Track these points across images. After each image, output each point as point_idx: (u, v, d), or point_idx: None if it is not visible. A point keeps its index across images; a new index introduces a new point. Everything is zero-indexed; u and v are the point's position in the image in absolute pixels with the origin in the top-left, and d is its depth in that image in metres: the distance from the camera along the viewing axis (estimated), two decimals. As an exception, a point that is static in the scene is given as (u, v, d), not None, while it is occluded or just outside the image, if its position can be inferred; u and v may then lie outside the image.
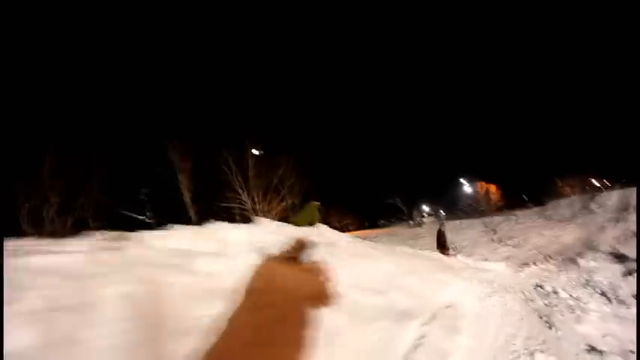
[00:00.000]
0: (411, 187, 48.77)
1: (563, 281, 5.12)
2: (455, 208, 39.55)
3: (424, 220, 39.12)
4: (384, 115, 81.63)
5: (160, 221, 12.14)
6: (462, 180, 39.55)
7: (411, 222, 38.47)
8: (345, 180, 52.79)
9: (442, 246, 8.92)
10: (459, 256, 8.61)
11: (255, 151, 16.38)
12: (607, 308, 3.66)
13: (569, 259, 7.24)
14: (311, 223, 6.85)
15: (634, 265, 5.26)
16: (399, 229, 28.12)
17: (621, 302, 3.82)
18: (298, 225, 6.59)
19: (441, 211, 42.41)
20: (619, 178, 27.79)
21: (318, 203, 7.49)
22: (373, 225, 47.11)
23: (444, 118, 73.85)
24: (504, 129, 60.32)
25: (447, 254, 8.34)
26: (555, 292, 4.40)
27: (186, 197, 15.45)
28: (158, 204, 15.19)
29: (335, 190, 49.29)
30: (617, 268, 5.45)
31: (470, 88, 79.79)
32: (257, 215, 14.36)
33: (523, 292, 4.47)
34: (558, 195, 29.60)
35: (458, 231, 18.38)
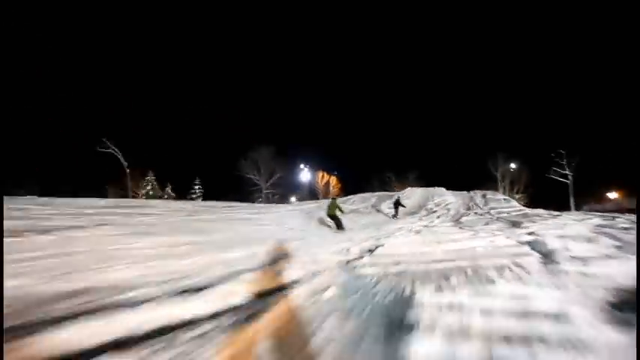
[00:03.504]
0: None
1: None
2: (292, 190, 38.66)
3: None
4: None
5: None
6: (302, 166, 37.34)
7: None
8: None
9: (398, 207, 14.93)
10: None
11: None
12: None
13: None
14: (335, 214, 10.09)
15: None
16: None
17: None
18: (328, 214, 10.11)
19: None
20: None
21: (337, 199, 12.15)
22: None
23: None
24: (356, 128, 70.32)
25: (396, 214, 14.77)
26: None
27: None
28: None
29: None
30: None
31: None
32: None
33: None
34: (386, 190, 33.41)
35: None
